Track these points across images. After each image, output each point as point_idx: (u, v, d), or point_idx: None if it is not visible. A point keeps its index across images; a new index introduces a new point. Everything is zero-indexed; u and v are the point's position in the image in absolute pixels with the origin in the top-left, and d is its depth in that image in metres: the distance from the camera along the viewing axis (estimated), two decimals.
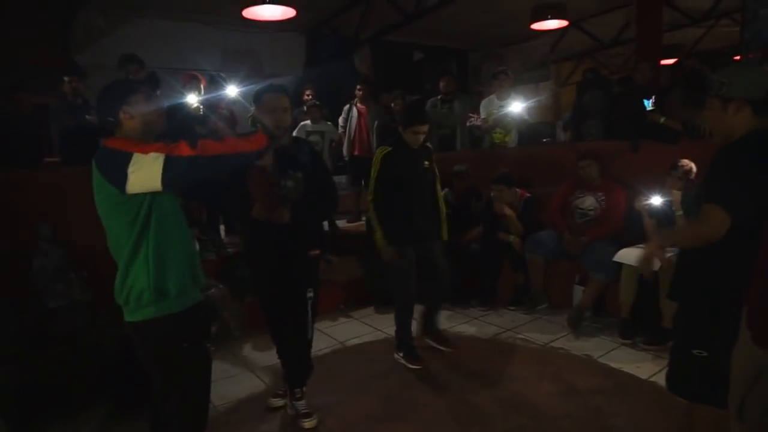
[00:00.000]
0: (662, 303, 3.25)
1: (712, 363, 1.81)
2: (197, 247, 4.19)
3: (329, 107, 5.96)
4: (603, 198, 4.00)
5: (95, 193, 1.74)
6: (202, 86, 4.29)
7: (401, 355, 3.33)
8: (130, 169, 1.62)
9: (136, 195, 1.67)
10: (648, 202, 3.50)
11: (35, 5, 5.60)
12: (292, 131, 4.42)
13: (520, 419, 2.65)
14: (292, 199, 2.45)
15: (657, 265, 1.89)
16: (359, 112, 5.78)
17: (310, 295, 2.55)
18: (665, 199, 3.43)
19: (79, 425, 2.71)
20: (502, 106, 5.19)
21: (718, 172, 1.75)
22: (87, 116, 4.04)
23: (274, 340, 2.77)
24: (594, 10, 7.84)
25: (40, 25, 5.70)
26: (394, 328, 3.38)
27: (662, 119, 4.10)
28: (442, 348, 3.48)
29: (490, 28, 8.38)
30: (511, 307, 4.26)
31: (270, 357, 2.94)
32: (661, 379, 2.55)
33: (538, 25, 6.77)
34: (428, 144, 3.32)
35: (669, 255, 2.48)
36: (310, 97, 5.83)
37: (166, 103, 3.97)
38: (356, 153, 5.81)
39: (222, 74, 4.79)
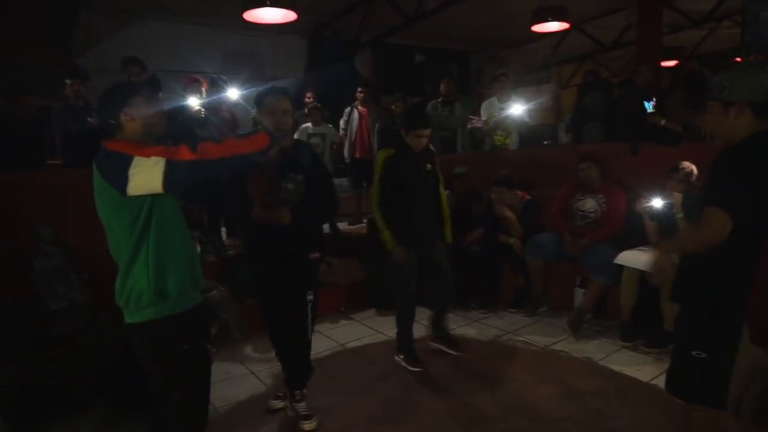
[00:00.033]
0: (663, 305, 3.25)
1: (711, 364, 1.81)
2: (198, 249, 4.21)
3: (330, 110, 5.98)
4: (603, 200, 4.00)
5: (96, 195, 1.74)
6: (203, 89, 4.29)
7: (402, 357, 3.33)
8: (131, 172, 1.63)
9: (136, 197, 1.68)
10: (649, 204, 3.51)
11: (37, 8, 5.63)
12: (293, 134, 4.44)
13: (520, 421, 2.64)
14: (293, 202, 2.45)
15: (669, 273, 1.91)
16: (360, 115, 5.79)
17: (310, 297, 2.55)
18: (666, 202, 3.44)
19: (79, 426, 2.71)
20: (502, 109, 5.20)
21: (719, 174, 1.75)
22: (89, 119, 4.06)
23: (273, 343, 2.76)
24: (595, 13, 7.84)
25: (42, 27, 5.72)
26: (395, 330, 3.37)
27: (663, 121, 4.10)
28: (452, 352, 3.42)
29: (491, 30, 8.39)
30: (512, 310, 4.26)
31: (270, 359, 2.94)
32: (661, 382, 2.53)
33: (538, 28, 6.76)
34: (431, 147, 3.31)
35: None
36: (311, 99, 5.85)
37: (167, 106, 4.02)
38: (357, 155, 5.82)
39: (223, 77, 4.81)
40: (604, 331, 3.73)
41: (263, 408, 2.83)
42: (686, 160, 3.46)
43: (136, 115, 1.78)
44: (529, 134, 5.34)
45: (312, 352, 2.80)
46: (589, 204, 4.04)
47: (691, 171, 3.43)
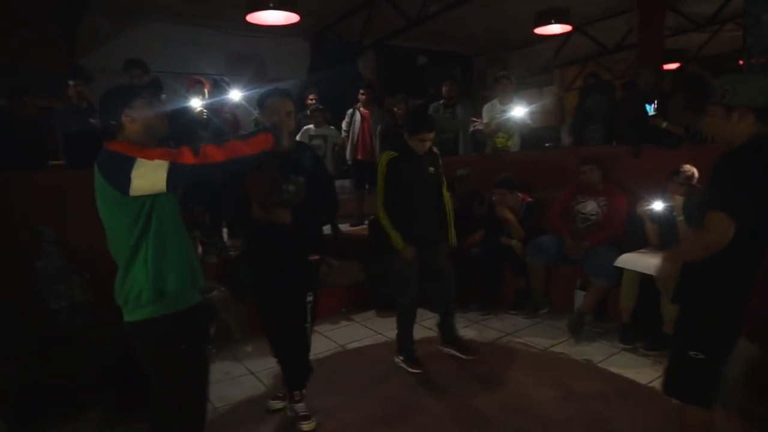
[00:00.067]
0: (663, 308, 3.24)
1: (707, 365, 1.82)
2: (200, 249, 4.23)
3: (333, 111, 6.00)
4: (605, 203, 4.00)
5: (97, 195, 1.76)
6: (206, 90, 4.33)
7: (401, 358, 3.33)
8: (134, 174, 1.65)
9: (137, 197, 1.70)
10: (649, 207, 3.51)
11: (40, 10, 5.67)
12: (295, 135, 4.46)
13: (520, 423, 2.64)
14: (294, 204, 2.46)
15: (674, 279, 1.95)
16: (362, 117, 5.80)
17: (310, 299, 2.56)
18: (667, 205, 3.43)
19: (79, 426, 2.72)
20: (504, 111, 5.20)
21: (721, 178, 1.76)
22: (92, 120, 4.08)
23: (271, 344, 2.77)
24: (598, 15, 7.84)
25: (45, 29, 5.76)
26: (395, 331, 3.38)
27: (664, 124, 4.10)
28: (463, 356, 3.39)
29: (494, 32, 8.41)
30: (512, 312, 4.26)
31: (270, 359, 2.95)
32: (660, 385, 2.54)
33: (541, 30, 6.78)
34: (434, 149, 3.30)
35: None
36: (314, 101, 5.87)
37: (170, 107, 4.04)
38: (359, 157, 5.84)
39: (226, 78, 4.84)
40: (604, 333, 3.72)
41: (263, 408, 2.83)
42: (687, 162, 3.46)
43: (137, 116, 1.80)
44: (531, 136, 5.34)
45: (312, 353, 2.81)
46: (590, 206, 4.04)
47: (692, 174, 3.43)
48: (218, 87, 4.58)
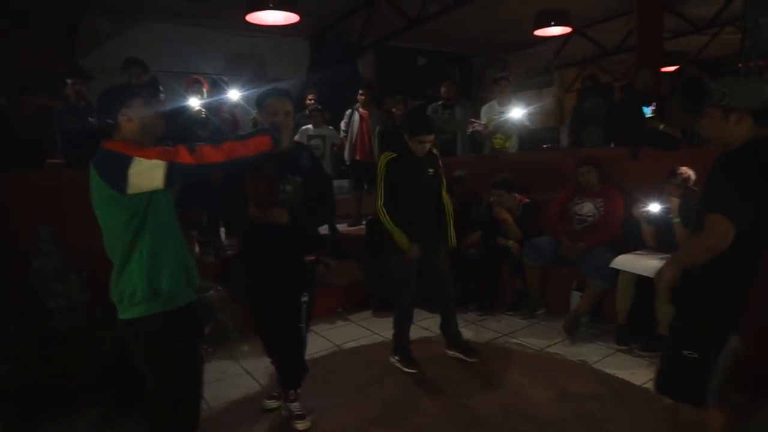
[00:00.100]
0: (658, 310, 3.25)
1: (700, 364, 1.83)
2: (197, 249, 4.24)
3: (333, 112, 6.01)
4: (602, 204, 4.01)
5: (92, 194, 1.77)
6: (204, 90, 4.34)
7: (397, 358, 3.34)
8: (131, 172, 1.66)
9: (133, 195, 1.71)
10: (646, 208, 3.52)
11: (41, 9, 5.68)
12: (293, 135, 4.46)
13: (515, 423, 2.65)
14: (291, 204, 2.47)
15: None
16: (361, 117, 5.81)
17: (305, 299, 2.56)
18: (663, 206, 3.45)
19: (76, 424, 2.73)
20: (502, 112, 5.22)
21: (719, 180, 1.76)
22: (90, 119, 4.09)
23: (265, 343, 2.77)
24: (597, 17, 7.86)
25: (45, 28, 5.78)
26: (392, 331, 3.38)
27: (661, 126, 4.10)
28: (466, 359, 3.36)
29: (494, 34, 8.42)
30: (509, 312, 4.27)
31: (266, 359, 2.96)
32: None
33: (541, 32, 6.79)
34: (434, 151, 3.30)
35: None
36: (313, 101, 5.88)
37: (168, 107, 4.05)
38: (358, 158, 5.84)
39: (224, 78, 4.85)
40: (600, 334, 3.73)
41: (258, 407, 2.84)
42: (685, 165, 3.47)
43: (133, 115, 1.81)
44: (529, 137, 5.36)
45: (308, 353, 2.81)
46: (587, 208, 4.05)
47: (689, 176, 3.43)
48: (217, 86, 4.59)
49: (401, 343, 3.35)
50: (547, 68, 9.22)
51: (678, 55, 8.14)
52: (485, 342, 3.75)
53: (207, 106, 4.25)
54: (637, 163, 4.19)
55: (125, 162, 1.66)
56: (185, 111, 4.08)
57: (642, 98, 4.46)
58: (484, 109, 5.46)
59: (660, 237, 3.55)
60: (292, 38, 7.73)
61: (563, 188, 4.23)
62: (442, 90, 5.65)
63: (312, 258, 2.64)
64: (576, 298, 3.98)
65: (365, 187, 5.98)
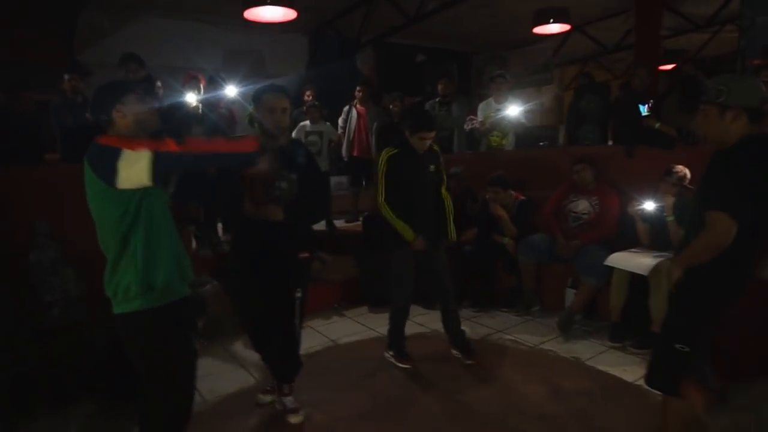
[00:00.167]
0: (651, 308, 3.27)
1: (691, 357, 1.85)
2: (194, 244, 4.25)
3: (331, 108, 6.01)
4: (597, 202, 4.02)
5: (87, 188, 1.79)
6: (201, 86, 4.34)
7: (391, 353, 3.36)
8: (120, 165, 1.67)
9: (126, 190, 1.72)
10: (641, 206, 3.54)
11: (40, 5, 5.68)
12: (290, 132, 4.47)
13: (508, 419, 2.68)
14: (286, 200, 2.48)
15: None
16: (359, 114, 5.82)
17: (299, 295, 2.58)
18: (658, 204, 3.46)
19: (71, 417, 2.75)
20: (499, 110, 5.22)
21: (717, 178, 1.78)
22: (87, 114, 4.09)
23: (254, 341, 2.77)
24: (597, 15, 7.85)
25: (44, 24, 5.78)
26: (388, 327, 3.39)
27: (657, 125, 4.11)
28: (464, 360, 3.32)
29: (493, 31, 8.41)
30: (504, 309, 4.29)
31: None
32: None
33: (540, 29, 6.81)
34: (435, 147, 3.29)
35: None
36: (310, 97, 5.89)
37: (165, 103, 4.05)
38: (355, 154, 5.85)
39: (222, 74, 4.84)
40: (594, 331, 3.75)
41: (252, 401, 2.86)
42: (680, 163, 3.48)
43: (127, 111, 1.84)
44: (526, 135, 5.36)
45: (303, 348, 2.83)
46: (582, 205, 4.07)
47: (684, 175, 3.45)
48: (214, 82, 4.59)
49: (396, 338, 3.37)
50: (547, 66, 9.20)
51: (677, 54, 8.14)
52: (480, 338, 3.77)
53: (204, 102, 4.26)
54: (633, 162, 4.20)
55: (115, 154, 1.67)
56: (182, 107, 4.09)
57: (639, 96, 4.47)
58: (481, 106, 5.46)
59: (654, 235, 3.56)
60: (290, 34, 7.72)
61: (559, 186, 4.24)
62: (440, 87, 5.66)
63: (306, 255, 2.65)
64: (570, 295, 4.01)
65: (363, 183, 6.00)
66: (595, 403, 2.80)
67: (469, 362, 3.31)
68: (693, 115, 1.97)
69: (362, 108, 5.82)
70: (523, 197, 4.39)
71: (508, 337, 3.78)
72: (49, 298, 3.15)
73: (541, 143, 5.43)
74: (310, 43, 8.12)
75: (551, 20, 6.55)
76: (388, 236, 3.21)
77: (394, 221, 3.14)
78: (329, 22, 7.64)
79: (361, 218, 5.48)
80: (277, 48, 7.69)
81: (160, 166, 1.68)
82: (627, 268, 3.44)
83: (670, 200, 3.39)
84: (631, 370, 3.12)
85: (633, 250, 3.60)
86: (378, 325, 3.96)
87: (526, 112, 5.43)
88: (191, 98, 4.13)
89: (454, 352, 3.41)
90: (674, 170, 3.47)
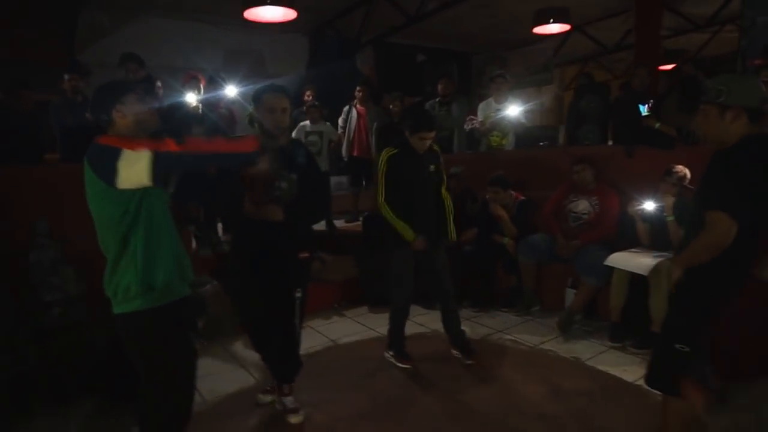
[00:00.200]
0: (651, 308, 3.27)
1: (690, 357, 1.85)
2: (194, 244, 4.25)
3: (331, 108, 6.01)
4: (597, 202, 4.02)
5: (87, 188, 1.79)
6: (201, 86, 4.34)
7: (391, 353, 3.36)
8: (120, 165, 1.67)
9: (126, 190, 1.72)
10: (641, 206, 3.54)
11: (40, 4, 5.68)
12: (290, 132, 4.47)
13: (507, 418, 2.68)
14: (286, 200, 2.48)
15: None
16: (359, 114, 5.82)
17: (299, 295, 2.58)
18: (658, 204, 3.46)
19: (71, 417, 2.75)
20: (499, 110, 5.22)
21: (717, 178, 1.78)
22: (87, 114, 4.10)
23: (254, 341, 2.77)
24: (597, 15, 7.85)
25: (44, 23, 5.78)
26: (387, 327, 3.39)
27: (657, 125, 4.11)
28: (463, 360, 3.32)
29: (493, 31, 8.41)
30: (504, 309, 4.29)
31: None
32: None
33: (540, 29, 6.80)
34: (435, 147, 3.29)
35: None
36: (310, 97, 5.89)
37: (165, 103, 4.05)
38: (355, 154, 5.85)
39: (222, 74, 4.84)
40: (594, 331, 3.75)
41: (252, 401, 2.86)
42: (680, 163, 3.48)
43: (127, 111, 1.84)
44: (526, 135, 5.36)
45: (303, 348, 2.83)
46: (582, 205, 4.07)
47: (684, 175, 3.45)
48: (214, 82, 4.59)
49: (396, 338, 3.37)
50: (547, 66, 9.20)
51: (677, 54, 8.14)
52: (480, 338, 3.77)
53: (204, 102, 4.26)
54: (633, 162, 4.20)
55: (115, 154, 1.67)
56: (182, 107, 4.09)
57: (638, 96, 4.47)
58: (481, 106, 5.46)
59: (654, 235, 3.56)
60: (290, 34, 7.72)
61: (559, 186, 4.24)
62: (439, 87, 5.66)
63: (306, 255, 2.65)
64: (570, 295, 4.00)
65: (363, 183, 6.00)
66: (595, 403, 2.80)
67: (469, 362, 3.31)
68: (693, 115, 1.97)
69: (362, 108, 5.82)
70: (523, 197, 4.39)
71: (508, 337, 3.78)
72: (49, 298, 3.15)
73: (541, 143, 5.42)
74: (310, 43, 8.12)
75: (551, 20, 6.55)
76: (388, 236, 3.21)
77: (394, 221, 3.14)
78: (329, 22, 7.64)
79: (361, 218, 5.48)
80: (277, 48, 7.69)
81: (160, 166, 1.68)
82: (627, 268, 3.44)
83: (670, 200, 3.39)
84: (631, 370, 3.12)
85: (633, 250, 3.60)
86: (378, 325, 3.96)
87: (526, 112, 5.43)
88: (191, 98, 4.13)
89: (454, 352, 3.40)
90: (674, 170, 3.47)
